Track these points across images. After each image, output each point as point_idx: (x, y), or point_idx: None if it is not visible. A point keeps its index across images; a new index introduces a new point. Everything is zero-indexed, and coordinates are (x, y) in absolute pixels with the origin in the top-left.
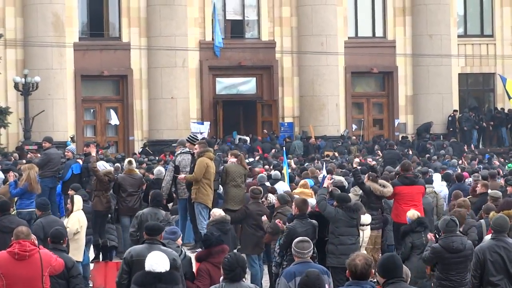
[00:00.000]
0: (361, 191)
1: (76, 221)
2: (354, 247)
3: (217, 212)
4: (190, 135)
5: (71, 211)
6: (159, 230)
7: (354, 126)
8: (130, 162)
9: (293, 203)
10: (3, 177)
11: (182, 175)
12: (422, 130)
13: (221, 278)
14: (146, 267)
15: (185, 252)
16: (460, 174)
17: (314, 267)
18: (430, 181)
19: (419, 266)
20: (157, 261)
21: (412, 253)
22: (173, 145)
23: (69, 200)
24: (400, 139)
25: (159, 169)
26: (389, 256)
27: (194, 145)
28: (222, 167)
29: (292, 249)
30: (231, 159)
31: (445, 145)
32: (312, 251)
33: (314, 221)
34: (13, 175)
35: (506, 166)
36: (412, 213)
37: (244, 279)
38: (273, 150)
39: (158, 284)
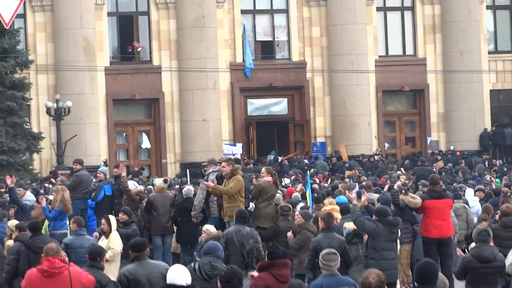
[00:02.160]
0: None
1: (118, 242)
2: (394, 262)
3: (211, 229)
4: (221, 158)
5: (110, 231)
6: (144, 245)
7: (386, 145)
8: (165, 181)
9: (319, 217)
10: (34, 199)
11: (210, 183)
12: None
13: None
14: (168, 280)
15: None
16: (497, 189)
17: (342, 279)
18: (458, 196)
19: (355, 278)
20: (178, 275)
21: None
22: (203, 163)
23: (105, 221)
24: (431, 155)
25: (188, 188)
26: (426, 263)
27: (221, 163)
28: (252, 185)
29: (319, 262)
30: (266, 178)
31: (477, 161)
32: (339, 264)
33: (341, 236)
34: (45, 199)
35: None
36: (349, 225)
37: None
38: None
39: None
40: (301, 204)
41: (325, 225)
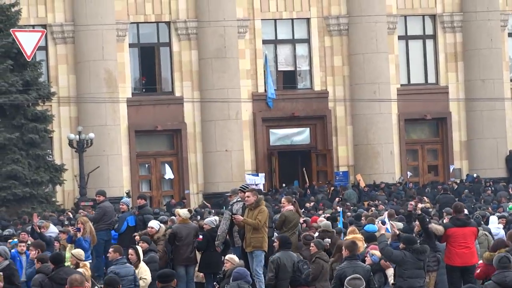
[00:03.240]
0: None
1: (148, 271)
2: None
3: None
4: (242, 185)
5: (138, 262)
6: (172, 277)
7: (409, 173)
8: (190, 211)
9: (344, 245)
10: (58, 232)
11: (239, 217)
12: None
13: None
14: None
15: None
16: None
17: None
18: (479, 224)
19: None
20: None
21: None
22: (226, 194)
23: (132, 251)
24: (455, 185)
25: (210, 219)
26: None
27: (245, 192)
28: (275, 214)
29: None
30: (288, 207)
31: (497, 188)
32: None
33: (366, 264)
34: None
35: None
36: (377, 252)
37: None
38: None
39: None
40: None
41: (349, 253)
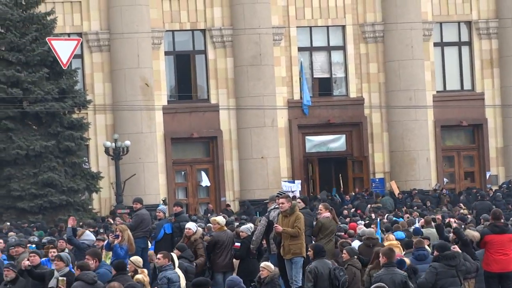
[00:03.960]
0: None
1: (183, 278)
2: None
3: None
4: (279, 191)
5: (174, 268)
6: (207, 285)
7: (445, 180)
8: (224, 219)
9: (381, 252)
10: (93, 239)
11: (280, 227)
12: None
13: None
14: None
15: None
16: None
17: None
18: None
19: None
20: None
21: None
22: (265, 201)
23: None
24: (492, 191)
25: (246, 226)
26: None
27: (279, 197)
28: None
29: None
30: (325, 214)
31: None
32: None
33: (402, 272)
34: (113, 237)
35: None
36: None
37: None
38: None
39: None
40: None
41: (386, 260)
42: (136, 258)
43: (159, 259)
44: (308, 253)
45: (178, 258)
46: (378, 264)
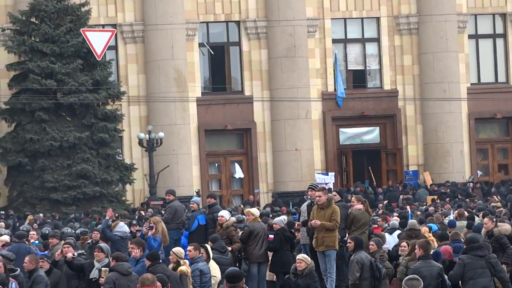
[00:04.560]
0: None
1: (218, 269)
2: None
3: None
4: (311, 184)
5: (208, 260)
6: (240, 276)
7: (479, 172)
8: (258, 210)
9: (417, 245)
10: (127, 230)
11: (317, 221)
12: None
13: None
14: None
15: None
16: None
17: None
18: None
19: None
20: None
21: None
22: (305, 197)
23: (203, 250)
24: None
25: (280, 218)
26: None
27: (315, 191)
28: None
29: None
30: (357, 206)
31: None
32: None
33: (438, 264)
34: (147, 228)
35: None
36: None
37: None
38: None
39: None
40: (398, 232)
41: (423, 252)
42: (178, 249)
43: (190, 251)
44: (348, 244)
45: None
46: (415, 256)
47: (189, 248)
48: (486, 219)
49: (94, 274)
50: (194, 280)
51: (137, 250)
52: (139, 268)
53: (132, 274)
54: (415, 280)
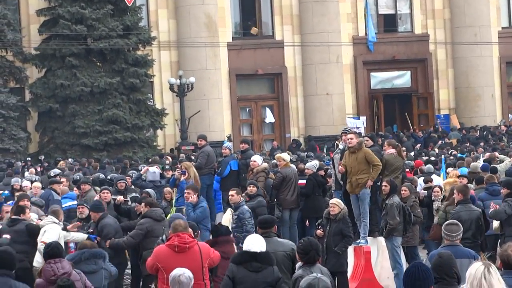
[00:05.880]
0: None
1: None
2: None
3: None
4: (344, 128)
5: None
6: (272, 223)
7: (510, 116)
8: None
9: (456, 189)
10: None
11: (342, 168)
12: None
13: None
14: (244, 247)
15: None
16: None
17: (462, 250)
18: None
19: None
20: (253, 242)
21: None
22: (337, 142)
23: (234, 193)
24: None
25: (311, 163)
26: None
27: (347, 134)
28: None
29: (442, 232)
30: (390, 150)
31: None
32: (461, 235)
33: (478, 209)
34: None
35: None
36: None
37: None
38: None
39: (253, 262)
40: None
41: (462, 197)
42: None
43: (232, 195)
44: (384, 188)
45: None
46: (453, 200)
47: (231, 193)
48: None
49: None
50: (248, 222)
51: (194, 196)
52: (198, 213)
53: (165, 220)
54: (455, 225)
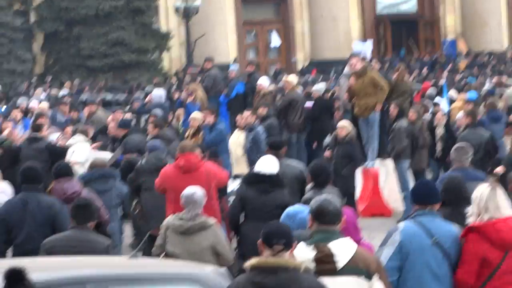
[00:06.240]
0: None
1: None
2: None
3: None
4: (352, 52)
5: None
6: (282, 145)
7: None
8: (295, 77)
9: (464, 112)
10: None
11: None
12: None
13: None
14: (255, 168)
15: None
16: None
17: (472, 173)
18: None
19: None
20: (265, 163)
21: None
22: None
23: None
24: None
25: (319, 86)
26: None
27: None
28: None
29: (450, 155)
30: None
31: None
32: (470, 158)
33: (486, 132)
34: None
35: None
36: None
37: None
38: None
39: (263, 184)
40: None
41: (471, 120)
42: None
43: (246, 117)
44: (391, 111)
45: (267, 117)
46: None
47: (245, 114)
48: None
49: None
50: (263, 143)
51: (211, 117)
52: (214, 135)
53: (175, 141)
54: (464, 148)
